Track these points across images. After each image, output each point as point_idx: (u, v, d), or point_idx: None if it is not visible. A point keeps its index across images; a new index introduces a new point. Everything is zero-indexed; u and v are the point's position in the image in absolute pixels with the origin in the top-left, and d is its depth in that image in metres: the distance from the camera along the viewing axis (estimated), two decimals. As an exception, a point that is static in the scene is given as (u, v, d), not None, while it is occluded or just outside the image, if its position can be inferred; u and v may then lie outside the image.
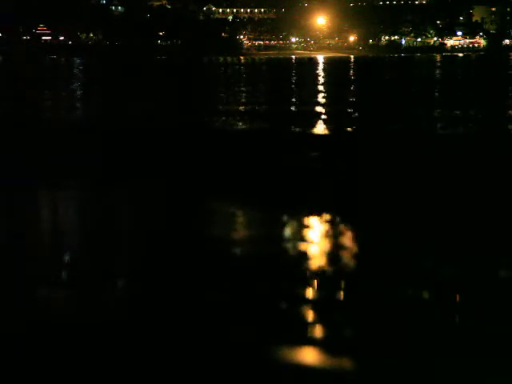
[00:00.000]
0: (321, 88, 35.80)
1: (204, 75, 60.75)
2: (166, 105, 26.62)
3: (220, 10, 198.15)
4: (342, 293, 6.16)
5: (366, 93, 32.08)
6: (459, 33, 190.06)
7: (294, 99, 28.03)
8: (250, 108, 23.25)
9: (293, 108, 23.39)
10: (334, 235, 8.06)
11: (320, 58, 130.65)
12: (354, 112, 21.30)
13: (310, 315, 5.62)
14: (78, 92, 37.35)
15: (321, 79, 49.74)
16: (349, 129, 17.27)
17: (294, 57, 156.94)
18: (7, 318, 5.63)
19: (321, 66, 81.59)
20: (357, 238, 7.99)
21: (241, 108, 23.41)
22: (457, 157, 13.00)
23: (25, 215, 9.29)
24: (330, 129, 16.99)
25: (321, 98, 27.16)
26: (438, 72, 63.47)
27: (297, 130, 17.57)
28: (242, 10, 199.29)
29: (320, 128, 17.20)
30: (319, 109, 22.47)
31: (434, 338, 5.20)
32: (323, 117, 19.84)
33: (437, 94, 32.05)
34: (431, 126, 18.02)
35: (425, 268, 6.83)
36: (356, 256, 7.28)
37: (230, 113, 21.70)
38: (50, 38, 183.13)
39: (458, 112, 20.86)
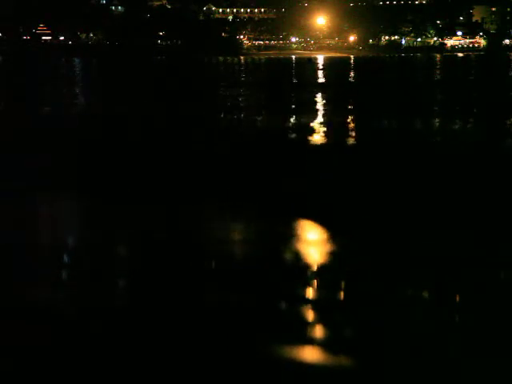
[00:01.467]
0: (319, 92, 35.66)
1: (201, 77, 60.70)
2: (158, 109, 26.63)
3: (220, 10, 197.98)
4: (339, 293, 6.19)
5: (365, 98, 31.77)
6: (459, 33, 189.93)
7: (291, 106, 27.60)
8: (245, 119, 22.52)
9: (291, 120, 22.84)
10: (327, 240, 8.09)
11: (320, 58, 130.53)
12: (353, 124, 20.37)
13: (308, 315, 5.65)
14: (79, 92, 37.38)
15: (320, 82, 49.71)
16: (346, 142, 16.72)
17: (293, 57, 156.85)
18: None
19: (321, 67, 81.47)
20: (351, 243, 8.02)
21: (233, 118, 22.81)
22: (456, 172, 13.00)
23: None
24: (327, 141, 16.52)
25: (318, 106, 26.63)
26: (439, 73, 63.33)
27: (291, 138, 17.36)
28: (242, 10, 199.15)
29: (314, 140, 16.62)
30: (314, 119, 21.56)
31: (433, 338, 5.22)
32: (319, 129, 18.99)
33: (439, 98, 31.15)
34: (430, 137, 17.86)
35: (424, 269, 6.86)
36: (352, 257, 7.31)
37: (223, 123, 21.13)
38: (50, 38, 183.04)
39: (457, 122, 19.97)
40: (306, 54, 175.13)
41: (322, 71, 66.09)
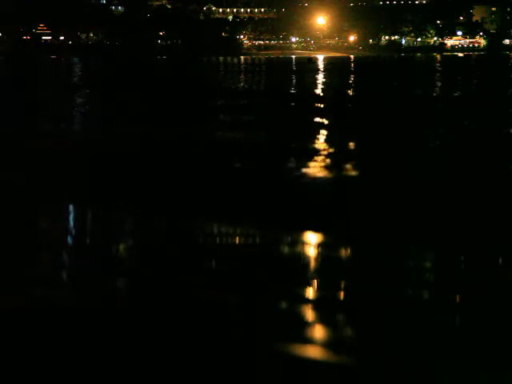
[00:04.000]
0: (318, 103, 35.11)
1: (200, 80, 60.69)
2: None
3: (220, 10, 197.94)
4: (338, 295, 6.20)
5: (366, 108, 30.41)
6: (459, 33, 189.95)
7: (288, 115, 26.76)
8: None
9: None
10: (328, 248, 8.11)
11: (320, 58, 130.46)
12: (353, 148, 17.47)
13: (308, 315, 5.66)
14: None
15: (320, 86, 49.62)
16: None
17: (293, 57, 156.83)
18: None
19: (321, 69, 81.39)
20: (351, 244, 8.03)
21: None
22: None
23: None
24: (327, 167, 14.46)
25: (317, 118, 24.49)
26: (442, 75, 63.09)
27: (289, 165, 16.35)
28: (242, 10, 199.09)
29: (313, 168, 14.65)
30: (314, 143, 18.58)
31: (431, 339, 5.23)
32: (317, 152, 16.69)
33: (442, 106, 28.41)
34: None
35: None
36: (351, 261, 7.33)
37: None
38: (50, 37, 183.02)
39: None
40: (306, 53, 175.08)
41: (323, 73, 66.02)
